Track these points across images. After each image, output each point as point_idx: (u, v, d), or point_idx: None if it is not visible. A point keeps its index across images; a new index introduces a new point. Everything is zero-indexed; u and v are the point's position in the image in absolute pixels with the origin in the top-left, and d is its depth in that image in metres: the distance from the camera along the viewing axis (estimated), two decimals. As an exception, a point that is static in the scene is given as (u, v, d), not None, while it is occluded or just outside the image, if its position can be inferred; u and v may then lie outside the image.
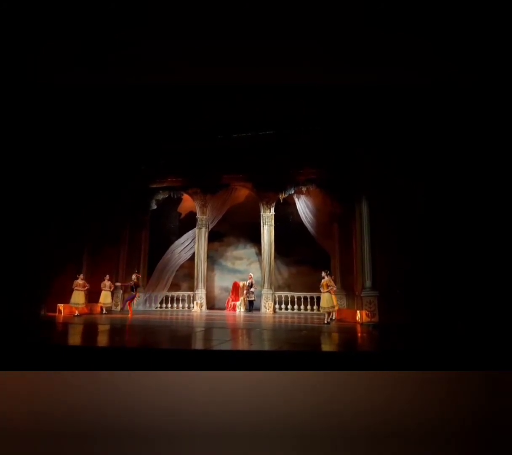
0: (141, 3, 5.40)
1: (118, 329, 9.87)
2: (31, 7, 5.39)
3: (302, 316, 12.87)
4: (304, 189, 13.84)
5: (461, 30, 5.30)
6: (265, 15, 5.54)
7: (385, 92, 7.77)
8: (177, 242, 15.45)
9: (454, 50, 5.39)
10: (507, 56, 5.25)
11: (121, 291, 14.78)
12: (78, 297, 12.11)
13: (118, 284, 13.82)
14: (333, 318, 10.57)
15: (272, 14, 5.45)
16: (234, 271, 15.81)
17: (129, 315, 12.31)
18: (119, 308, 14.58)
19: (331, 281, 10.45)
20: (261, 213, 14.27)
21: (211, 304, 15.17)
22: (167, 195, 15.18)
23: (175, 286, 15.43)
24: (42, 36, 5.62)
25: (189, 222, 15.53)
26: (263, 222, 14.24)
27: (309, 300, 13.60)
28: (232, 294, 14.84)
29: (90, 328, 9.74)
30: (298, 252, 14.86)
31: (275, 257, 14.26)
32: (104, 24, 5.30)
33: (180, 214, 16.62)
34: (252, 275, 14.44)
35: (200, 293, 14.45)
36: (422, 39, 5.39)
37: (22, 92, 6.74)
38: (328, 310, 10.29)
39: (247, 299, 14.11)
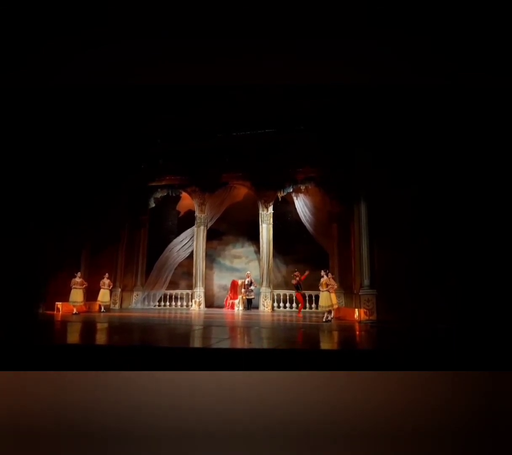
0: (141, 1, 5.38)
1: (118, 328, 9.87)
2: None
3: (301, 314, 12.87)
4: (302, 188, 13.83)
5: (462, 29, 5.30)
6: (265, 13, 5.53)
7: (384, 92, 7.76)
8: (175, 240, 15.43)
9: (455, 50, 5.39)
10: (509, 58, 5.26)
11: (122, 290, 14.74)
12: (77, 295, 12.11)
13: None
14: (332, 316, 10.60)
15: (272, 13, 5.45)
16: (233, 269, 15.77)
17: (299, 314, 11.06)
18: (117, 306, 14.54)
19: (331, 280, 10.49)
20: (260, 212, 14.25)
21: (209, 302, 15.14)
22: (165, 194, 15.17)
23: (173, 284, 15.39)
24: (37, 35, 5.59)
25: (188, 220, 15.49)
26: (261, 221, 14.22)
27: (307, 298, 13.60)
28: (231, 292, 14.83)
29: (90, 327, 9.74)
30: (297, 250, 14.84)
31: (273, 255, 14.25)
32: (103, 24, 5.29)
33: (178, 212, 16.58)
34: (249, 273, 14.43)
35: (199, 291, 14.44)
36: (423, 38, 5.39)
37: (21, 91, 6.71)
38: (327, 308, 10.33)
39: (245, 297, 14.11)
